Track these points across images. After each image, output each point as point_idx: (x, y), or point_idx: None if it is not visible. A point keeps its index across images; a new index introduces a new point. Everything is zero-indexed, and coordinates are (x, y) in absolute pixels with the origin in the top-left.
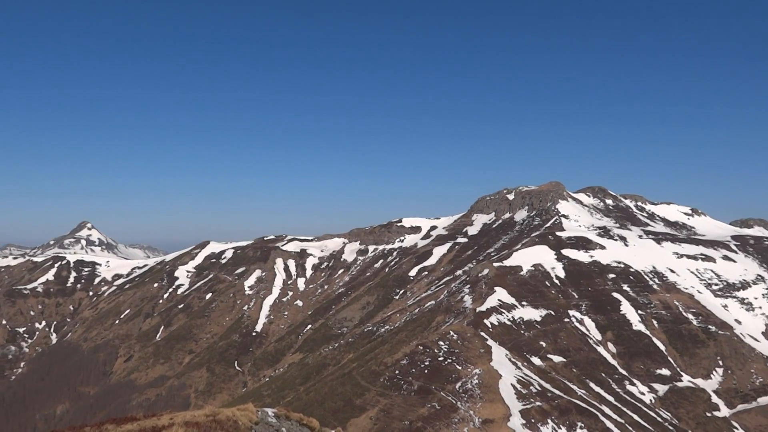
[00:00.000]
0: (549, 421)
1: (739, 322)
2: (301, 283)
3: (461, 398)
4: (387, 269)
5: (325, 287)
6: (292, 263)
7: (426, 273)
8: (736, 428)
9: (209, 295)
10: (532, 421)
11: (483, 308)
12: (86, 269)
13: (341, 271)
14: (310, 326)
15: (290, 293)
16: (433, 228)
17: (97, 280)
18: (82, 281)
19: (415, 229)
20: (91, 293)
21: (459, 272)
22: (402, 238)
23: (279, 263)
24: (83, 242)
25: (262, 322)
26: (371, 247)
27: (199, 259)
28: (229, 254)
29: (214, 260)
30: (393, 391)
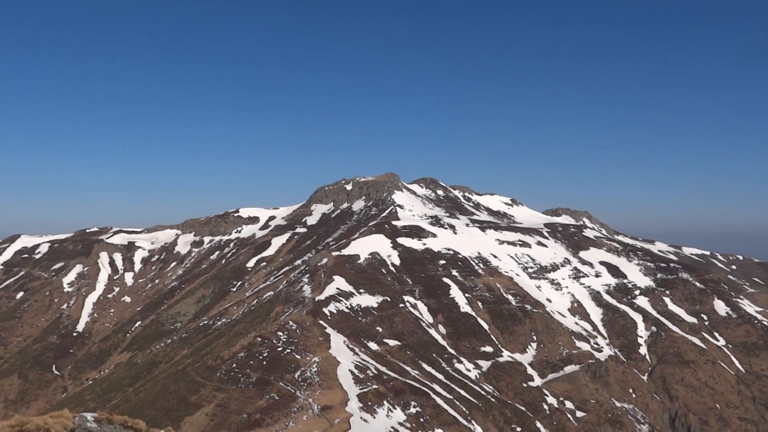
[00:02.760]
0: (385, 402)
1: (550, 301)
2: (129, 277)
3: (300, 387)
4: (224, 261)
5: (157, 281)
6: (118, 257)
7: (264, 264)
8: (547, 395)
9: (21, 294)
10: (369, 403)
11: (322, 297)
12: None
13: (174, 264)
14: (139, 323)
15: (117, 289)
16: (272, 218)
17: None
18: None
19: (253, 220)
20: None
21: (298, 262)
22: (239, 228)
23: (104, 257)
24: None
25: (84, 321)
26: (207, 239)
27: (7, 254)
28: (44, 248)
29: (26, 255)
30: (230, 385)
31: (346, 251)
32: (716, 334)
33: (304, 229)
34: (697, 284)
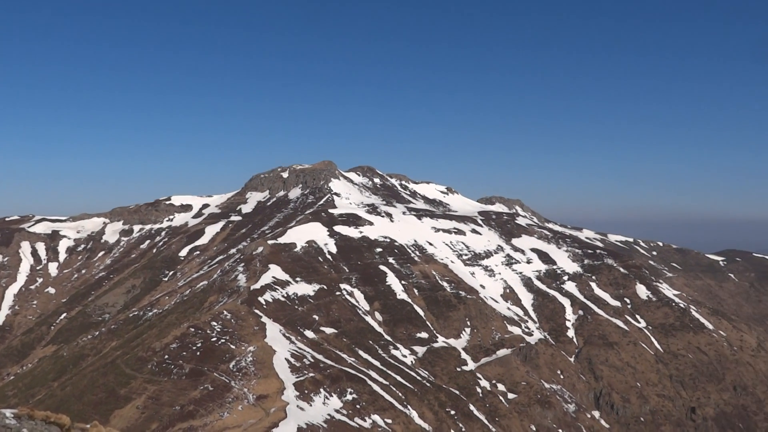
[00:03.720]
0: (321, 390)
1: (484, 287)
2: (53, 268)
3: (235, 377)
4: (155, 250)
5: (83, 272)
6: (41, 246)
7: (198, 253)
8: (480, 378)
9: None
10: (306, 392)
11: (257, 286)
12: None
13: (102, 253)
14: (64, 315)
15: (40, 280)
16: (206, 206)
17: None
18: None
19: (186, 207)
20: None
21: (233, 251)
22: (171, 216)
23: (25, 247)
24: None
25: (4, 313)
26: (137, 227)
27: None
28: None
29: None
30: (162, 377)
31: (282, 239)
32: (638, 317)
33: (239, 218)
34: (621, 269)
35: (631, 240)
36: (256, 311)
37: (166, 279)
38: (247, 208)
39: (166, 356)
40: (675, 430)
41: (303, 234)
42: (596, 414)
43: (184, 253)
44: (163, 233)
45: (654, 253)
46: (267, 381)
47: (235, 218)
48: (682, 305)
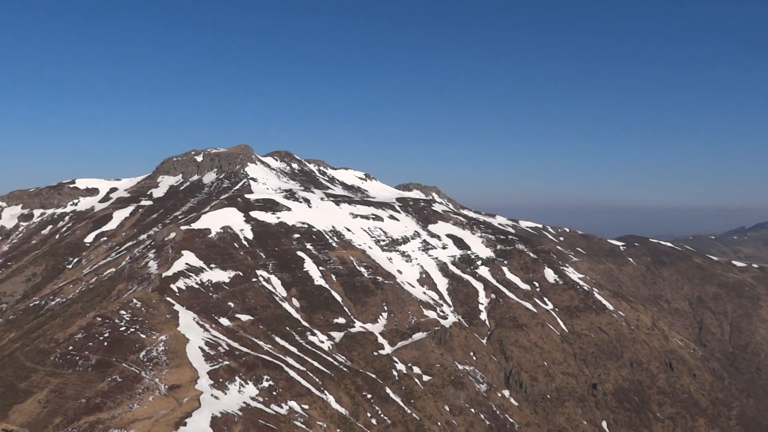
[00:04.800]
0: (237, 378)
1: (401, 272)
2: None
3: (146, 367)
4: (58, 236)
5: None
6: None
7: (105, 239)
8: (396, 362)
9: None
10: (220, 380)
11: (170, 273)
12: None
13: None
14: None
15: None
16: (114, 190)
17: None
18: None
19: (92, 191)
20: None
21: (143, 237)
22: (76, 200)
23: None
24: None
25: None
26: (37, 212)
27: None
28: None
29: None
30: (67, 369)
31: (196, 225)
32: (545, 299)
33: (149, 202)
34: (531, 254)
35: (540, 226)
36: (169, 299)
37: (70, 266)
38: (158, 193)
39: (71, 347)
40: (578, 406)
41: (218, 220)
42: (506, 393)
43: (90, 239)
44: (66, 218)
45: (561, 238)
46: (180, 370)
47: (145, 203)
48: (585, 288)
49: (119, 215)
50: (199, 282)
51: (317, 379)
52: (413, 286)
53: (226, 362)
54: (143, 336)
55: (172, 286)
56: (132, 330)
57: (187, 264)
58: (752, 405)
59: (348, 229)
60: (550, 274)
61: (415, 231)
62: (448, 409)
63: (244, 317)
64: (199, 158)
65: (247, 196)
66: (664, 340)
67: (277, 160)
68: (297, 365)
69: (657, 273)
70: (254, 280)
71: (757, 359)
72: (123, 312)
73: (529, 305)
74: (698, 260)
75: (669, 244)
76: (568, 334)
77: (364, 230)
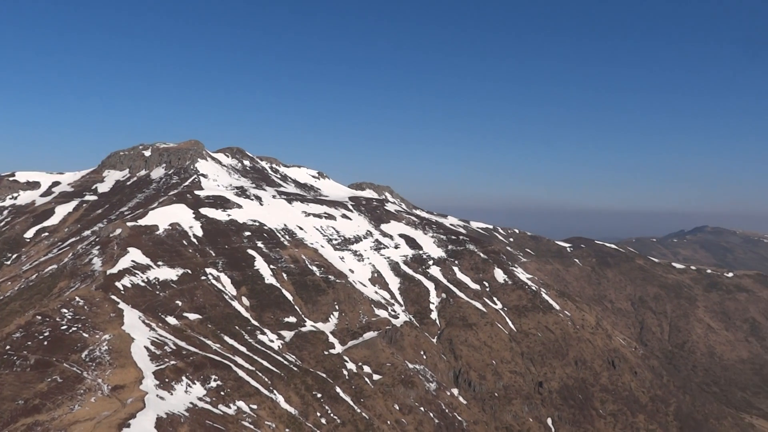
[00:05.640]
0: (184, 378)
1: (352, 271)
2: None
3: (88, 368)
4: None
5: None
6: None
7: (46, 234)
8: (347, 361)
9: None
10: (166, 380)
11: (115, 270)
12: None
13: None
14: None
15: None
16: (56, 184)
17: None
18: None
19: (33, 185)
20: None
21: (87, 233)
22: (15, 194)
23: None
24: None
25: None
26: None
27: None
28: None
29: None
30: (3, 370)
31: (143, 221)
32: (495, 299)
33: (94, 197)
34: (481, 255)
35: (491, 227)
36: (113, 297)
37: (8, 263)
38: (104, 188)
39: (8, 347)
40: (524, 403)
41: (166, 216)
42: (455, 391)
43: (30, 234)
44: (5, 212)
45: (511, 239)
46: (124, 371)
47: (90, 198)
48: (533, 288)
49: (62, 210)
50: (146, 280)
51: (266, 379)
52: (365, 286)
53: (172, 362)
54: (86, 335)
55: (117, 283)
56: (74, 329)
57: (133, 261)
58: (688, 401)
59: (300, 228)
60: (499, 275)
61: (368, 230)
62: (397, 408)
63: (193, 316)
64: (148, 153)
65: (197, 192)
66: (608, 339)
67: (228, 157)
68: (246, 365)
69: (602, 274)
70: (203, 278)
71: (693, 357)
72: (65, 310)
73: (478, 305)
74: (640, 262)
75: (613, 246)
76: (516, 333)
77: (317, 229)
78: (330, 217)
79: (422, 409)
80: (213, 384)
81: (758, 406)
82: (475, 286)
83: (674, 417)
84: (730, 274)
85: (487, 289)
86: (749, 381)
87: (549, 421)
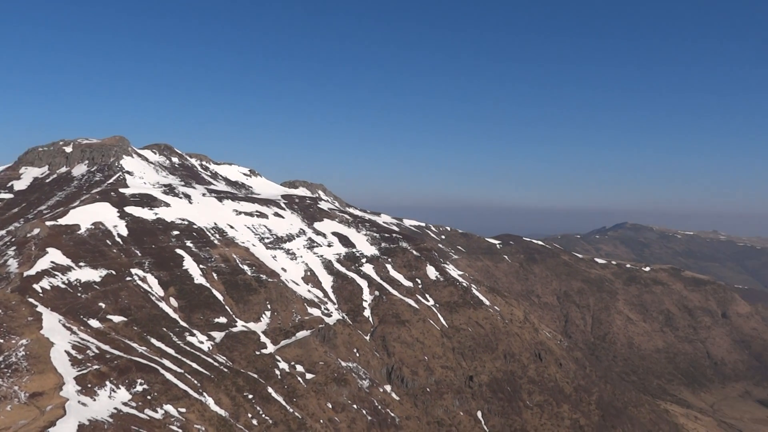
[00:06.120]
0: (107, 382)
1: (285, 270)
2: None
3: (4, 374)
4: None
5: None
6: None
7: None
8: (279, 361)
9: None
10: (89, 385)
11: (32, 272)
12: None
13: None
14: None
15: None
16: None
17: None
18: None
19: None
20: None
21: (2, 233)
22: None
23: None
24: None
25: None
26: None
27: None
28: None
29: None
30: None
31: (63, 221)
32: (427, 296)
33: (10, 195)
34: (414, 252)
35: (423, 225)
36: (31, 300)
37: None
38: (20, 185)
39: None
40: (455, 397)
41: (89, 215)
42: (388, 388)
43: None
44: None
45: (443, 237)
46: (43, 377)
47: (5, 196)
48: (465, 284)
49: None
50: (67, 281)
51: (196, 381)
52: (298, 284)
53: (95, 366)
54: (1, 341)
55: (34, 286)
56: None
57: (52, 262)
58: (609, 390)
59: (231, 227)
60: (431, 271)
61: (301, 229)
62: (330, 407)
63: (117, 318)
64: (69, 149)
65: (122, 190)
66: (535, 333)
67: (155, 154)
68: (174, 367)
69: (529, 269)
70: (128, 279)
71: (614, 348)
72: None
73: (411, 302)
74: (565, 257)
75: (540, 242)
76: (448, 328)
77: (248, 227)
78: (262, 215)
79: (355, 406)
80: (139, 388)
81: (672, 393)
82: (407, 283)
83: (596, 405)
84: (648, 269)
85: (420, 286)
86: (664, 369)
87: (479, 413)
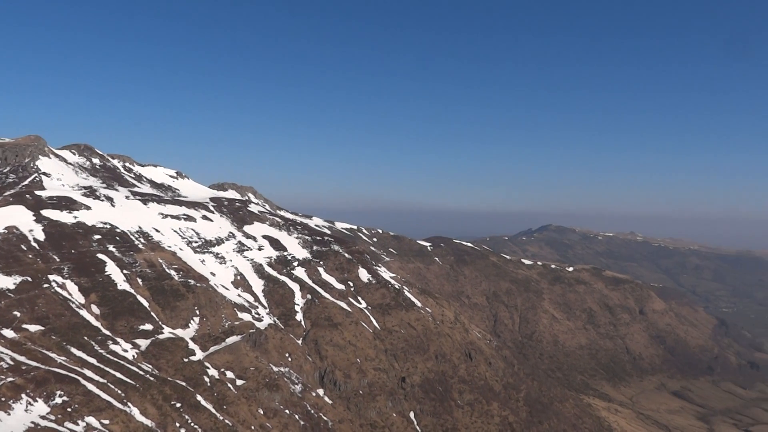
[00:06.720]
0: (23, 395)
1: (214, 275)
2: None
3: None
4: None
5: None
6: None
7: None
8: (209, 368)
9: None
10: (2, 399)
11: None
12: None
13: None
14: None
15: None
16: None
17: None
18: None
19: None
20: None
21: None
22: None
23: None
24: None
25: None
26: None
27: None
28: None
29: None
30: None
31: None
32: (359, 298)
33: None
34: (346, 255)
35: (355, 227)
36: None
37: None
38: None
39: None
40: (388, 399)
41: (1, 219)
42: (321, 392)
43: None
44: None
45: (375, 239)
46: None
47: None
48: (396, 286)
49: None
50: None
51: (120, 391)
52: (227, 289)
53: (9, 379)
54: None
55: None
56: None
57: None
58: (536, 387)
59: (157, 230)
60: (363, 274)
61: (230, 232)
62: (262, 413)
63: (34, 328)
64: None
65: (38, 192)
66: (465, 333)
67: (75, 154)
68: (96, 377)
69: (459, 271)
70: (46, 286)
71: (540, 345)
72: None
73: (343, 304)
74: (494, 259)
75: (470, 244)
76: (380, 331)
77: (175, 231)
78: (189, 218)
79: (287, 411)
80: (58, 400)
81: (594, 387)
82: (340, 286)
83: (524, 402)
84: (571, 269)
85: (352, 289)
86: (587, 365)
87: (411, 414)
